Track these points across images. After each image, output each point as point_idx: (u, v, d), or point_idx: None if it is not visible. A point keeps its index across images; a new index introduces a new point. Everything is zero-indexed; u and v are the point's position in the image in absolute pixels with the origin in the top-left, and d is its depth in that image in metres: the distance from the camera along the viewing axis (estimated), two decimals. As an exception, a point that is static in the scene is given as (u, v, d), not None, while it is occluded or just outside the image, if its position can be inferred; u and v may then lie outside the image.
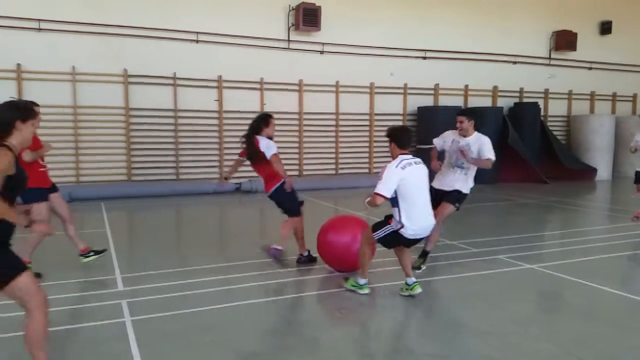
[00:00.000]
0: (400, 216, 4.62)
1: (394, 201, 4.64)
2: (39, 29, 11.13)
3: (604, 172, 15.79)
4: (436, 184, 5.76)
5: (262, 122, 6.03)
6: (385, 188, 4.53)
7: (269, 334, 4.07)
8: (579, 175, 15.55)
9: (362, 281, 4.99)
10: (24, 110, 2.99)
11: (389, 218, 4.80)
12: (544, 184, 14.27)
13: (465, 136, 5.74)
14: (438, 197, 5.61)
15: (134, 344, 3.78)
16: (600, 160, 15.78)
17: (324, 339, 4.05)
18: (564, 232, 8.44)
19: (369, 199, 4.65)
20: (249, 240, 7.30)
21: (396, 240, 4.79)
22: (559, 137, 16.45)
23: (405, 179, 4.57)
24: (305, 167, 13.65)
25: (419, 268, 5.66)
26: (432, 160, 5.85)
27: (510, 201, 11.42)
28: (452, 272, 5.74)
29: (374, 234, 4.81)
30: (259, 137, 5.92)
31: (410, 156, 4.75)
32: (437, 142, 6.02)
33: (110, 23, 11.62)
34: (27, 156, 4.92)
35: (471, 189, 5.82)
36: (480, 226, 8.78)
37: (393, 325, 4.36)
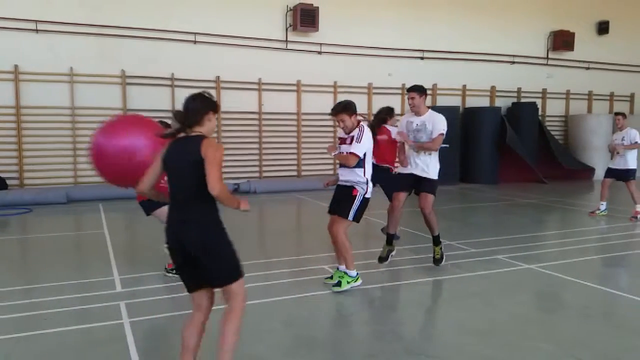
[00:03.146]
0: (365, 176, 4.94)
1: (360, 162, 4.92)
2: (37, 30, 11.11)
3: (601, 171, 15.69)
4: (409, 170, 5.69)
5: (387, 114, 6.97)
6: (361, 151, 4.86)
7: (269, 334, 4.06)
8: (577, 175, 15.57)
9: (353, 273, 5.06)
10: (214, 102, 3.10)
11: (352, 191, 4.96)
12: (542, 183, 14.29)
13: (418, 114, 5.65)
14: (416, 183, 5.67)
15: (132, 346, 3.77)
16: (598, 160, 15.79)
17: (324, 339, 4.05)
18: (563, 232, 8.45)
19: (336, 152, 5.05)
20: (248, 241, 7.29)
21: (365, 208, 5.05)
22: (556, 137, 16.47)
23: (372, 144, 5.02)
24: (303, 167, 13.64)
25: (442, 257, 5.71)
26: (400, 153, 5.82)
27: (509, 201, 11.43)
28: (451, 272, 5.73)
29: (348, 217, 4.94)
30: (387, 127, 6.84)
31: None
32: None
33: (108, 24, 11.60)
34: None
35: (439, 170, 5.74)
36: (478, 226, 8.78)
37: (392, 326, 4.36)
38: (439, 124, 5.54)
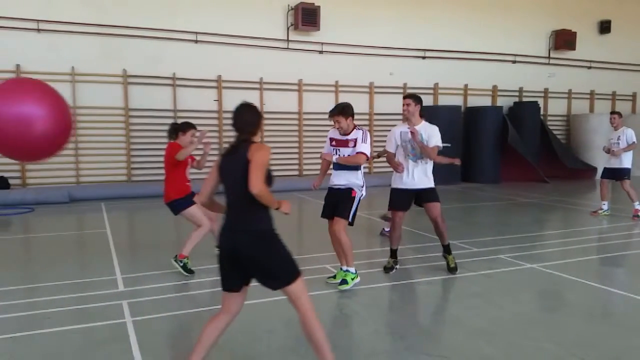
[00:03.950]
0: (362, 179, 5.16)
1: (358, 165, 5.08)
2: (39, 30, 11.12)
3: (603, 171, 15.79)
4: (409, 184, 5.57)
5: None
6: (368, 150, 5.04)
7: (270, 334, 4.06)
8: (579, 174, 15.55)
9: (353, 269, 5.15)
10: (260, 111, 3.24)
11: (350, 192, 5.06)
12: (544, 183, 14.27)
13: (411, 123, 5.59)
14: (417, 197, 5.61)
15: (134, 345, 3.77)
16: (600, 160, 15.66)
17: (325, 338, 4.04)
18: (565, 232, 8.43)
19: (337, 157, 5.09)
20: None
21: (357, 211, 5.16)
22: (558, 137, 16.46)
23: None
24: (305, 167, 13.64)
25: (456, 265, 5.67)
26: (392, 162, 5.65)
27: (511, 200, 11.42)
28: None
29: (349, 218, 5.06)
30: None
31: None
32: (389, 146, 5.73)
33: (110, 23, 11.62)
34: (181, 155, 5.39)
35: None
36: (481, 225, 8.78)
37: (394, 325, 4.36)
38: (435, 135, 5.53)
